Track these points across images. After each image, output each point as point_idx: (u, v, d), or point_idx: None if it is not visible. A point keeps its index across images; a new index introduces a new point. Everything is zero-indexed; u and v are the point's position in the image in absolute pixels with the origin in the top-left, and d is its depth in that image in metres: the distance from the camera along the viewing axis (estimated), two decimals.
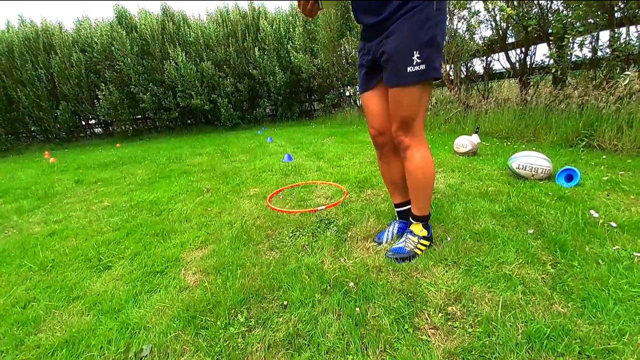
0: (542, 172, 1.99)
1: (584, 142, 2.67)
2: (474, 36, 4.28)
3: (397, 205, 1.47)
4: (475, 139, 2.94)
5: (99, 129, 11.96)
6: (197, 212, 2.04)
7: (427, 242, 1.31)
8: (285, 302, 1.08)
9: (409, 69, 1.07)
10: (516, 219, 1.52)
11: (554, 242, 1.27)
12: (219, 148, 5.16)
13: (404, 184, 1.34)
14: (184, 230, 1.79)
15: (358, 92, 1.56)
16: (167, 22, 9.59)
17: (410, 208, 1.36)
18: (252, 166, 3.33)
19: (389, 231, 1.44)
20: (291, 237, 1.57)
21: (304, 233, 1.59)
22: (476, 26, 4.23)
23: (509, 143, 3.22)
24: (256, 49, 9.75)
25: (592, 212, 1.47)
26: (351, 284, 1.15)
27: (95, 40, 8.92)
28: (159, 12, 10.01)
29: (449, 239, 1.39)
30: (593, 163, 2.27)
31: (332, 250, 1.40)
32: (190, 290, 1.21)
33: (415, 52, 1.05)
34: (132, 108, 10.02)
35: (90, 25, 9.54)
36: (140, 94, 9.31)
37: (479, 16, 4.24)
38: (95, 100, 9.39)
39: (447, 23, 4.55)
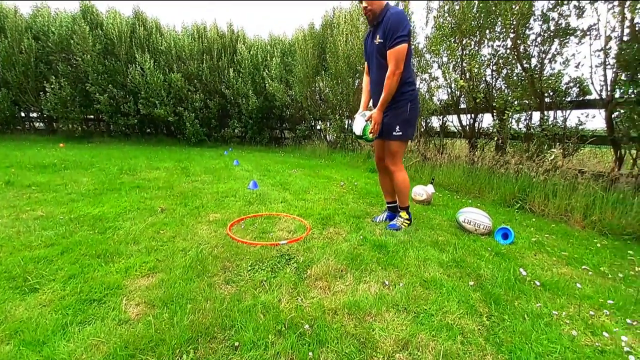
0: (483, 228, 2.22)
1: (518, 205, 3.05)
2: (432, 97, 4.82)
3: (388, 203, 2.45)
4: (430, 189, 3.20)
5: (41, 123, 10.82)
6: (148, 234, 1.91)
7: (408, 222, 2.27)
8: (236, 343, 1.04)
9: (394, 133, 2.08)
10: (460, 270, 1.66)
11: (490, 295, 1.41)
12: (180, 164, 4.94)
13: (393, 191, 2.33)
14: (130, 253, 1.65)
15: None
16: (137, 26, 9.31)
17: (396, 205, 2.37)
18: (214, 189, 3.23)
19: (382, 216, 2.43)
20: (249, 270, 1.53)
21: (263, 267, 1.57)
22: (435, 89, 4.79)
23: (458, 196, 3.55)
24: (231, 70, 9.81)
25: (521, 269, 1.66)
26: (306, 326, 1.15)
27: (53, 29, 8.31)
28: (130, 15, 9.71)
29: (401, 284, 1.47)
30: (525, 224, 2.59)
31: (290, 289, 1.39)
32: (131, 324, 1.11)
33: (397, 126, 2.06)
34: (85, 107, 9.29)
35: (50, 14, 8.94)
36: (97, 94, 8.72)
37: (438, 81, 4.82)
38: (41, 92, 8.56)
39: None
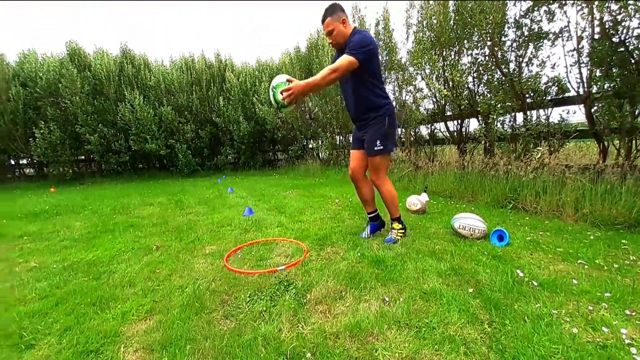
0: (479, 232, 2.24)
1: (511, 205, 3.09)
2: (419, 108, 4.96)
3: (369, 213, 2.44)
4: (424, 197, 3.23)
5: (31, 169, 10.78)
6: (143, 275, 1.88)
7: (402, 231, 2.30)
8: None
9: (375, 148, 2.12)
10: (458, 277, 1.66)
11: (489, 300, 1.41)
12: (174, 197, 4.93)
13: (371, 200, 2.39)
14: (126, 297, 1.63)
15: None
16: (125, 64, 9.49)
17: (377, 214, 2.44)
18: (209, 220, 3.23)
19: (366, 231, 2.41)
20: (248, 302, 1.52)
21: (262, 297, 1.55)
22: (420, 100, 4.93)
23: (452, 202, 3.58)
24: (221, 99, 9.99)
25: (518, 271, 1.67)
26: (308, 354, 1.13)
27: (40, 75, 8.42)
28: (117, 53, 9.88)
29: (401, 299, 1.47)
30: (519, 223, 2.61)
31: (290, 317, 1.38)
32: None
33: (377, 140, 2.11)
34: (75, 149, 9.33)
35: (37, 60, 9.09)
36: (87, 134, 8.78)
37: (423, 92, 4.97)
38: (30, 139, 8.59)
39: (398, 95, 5.26)
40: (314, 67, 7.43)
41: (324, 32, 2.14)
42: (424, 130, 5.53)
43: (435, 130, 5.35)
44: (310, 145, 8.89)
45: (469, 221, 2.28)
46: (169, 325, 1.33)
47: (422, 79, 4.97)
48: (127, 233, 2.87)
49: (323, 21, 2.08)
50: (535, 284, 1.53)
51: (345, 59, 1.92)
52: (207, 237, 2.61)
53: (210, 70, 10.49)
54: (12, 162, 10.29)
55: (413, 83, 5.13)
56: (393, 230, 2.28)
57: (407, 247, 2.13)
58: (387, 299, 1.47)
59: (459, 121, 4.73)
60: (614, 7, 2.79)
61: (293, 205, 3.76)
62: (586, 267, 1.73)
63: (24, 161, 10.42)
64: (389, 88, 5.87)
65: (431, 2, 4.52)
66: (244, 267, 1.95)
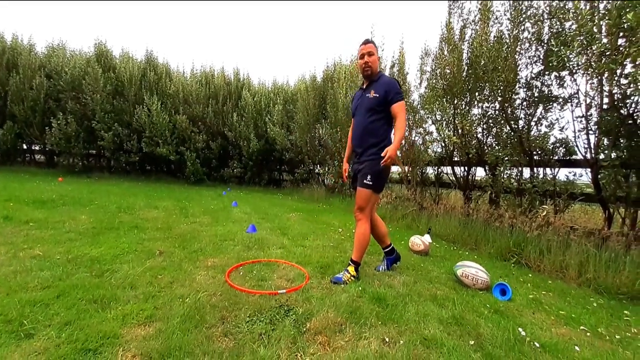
0: (481, 283, 2.23)
1: (514, 259, 3.08)
2: (427, 150, 5.08)
3: (384, 248, 2.48)
4: (427, 239, 3.25)
5: (42, 156, 10.95)
6: (145, 279, 1.89)
7: (354, 278, 2.16)
8: None
9: (365, 181, 2.18)
10: (460, 328, 1.64)
11: (490, 356, 1.39)
12: (179, 204, 4.97)
13: (384, 235, 2.42)
14: (127, 299, 1.63)
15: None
16: (149, 70, 9.89)
17: (391, 248, 2.47)
18: (213, 231, 3.24)
19: (382, 265, 2.47)
20: (248, 322, 1.51)
21: (262, 319, 1.54)
22: (430, 143, 5.07)
23: (455, 248, 3.58)
24: (235, 114, 10.29)
25: (520, 329, 1.66)
26: None
27: (66, 70, 8.80)
28: (142, 59, 10.32)
29: (401, 342, 1.45)
30: (522, 279, 2.60)
31: (289, 343, 1.37)
32: None
33: (369, 175, 2.17)
34: (88, 143, 9.53)
35: (65, 55, 9.51)
36: (102, 131, 9.01)
37: (432, 135, 5.12)
38: (46, 127, 8.82)
39: (407, 134, 5.42)
40: (328, 97, 7.74)
41: (357, 56, 2.26)
42: (430, 171, 5.62)
43: (442, 174, 5.45)
44: (317, 171, 9.00)
45: (472, 270, 2.28)
46: (169, 334, 1.33)
47: (432, 123, 5.14)
48: (131, 233, 2.88)
49: (366, 43, 2.19)
50: (537, 345, 1.52)
51: (401, 106, 2.13)
52: (209, 249, 2.62)
53: (229, 87, 10.90)
54: (25, 146, 10.49)
55: (423, 126, 5.30)
56: (346, 272, 2.15)
57: (408, 288, 2.12)
58: (387, 340, 1.46)
59: (466, 168, 4.83)
60: (623, 81, 2.93)
61: (296, 229, 3.77)
62: (588, 334, 1.71)
63: (36, 147, 10.62)
64: None
65: (446, 53, 4.79)
66: (245, 285, 1.95)
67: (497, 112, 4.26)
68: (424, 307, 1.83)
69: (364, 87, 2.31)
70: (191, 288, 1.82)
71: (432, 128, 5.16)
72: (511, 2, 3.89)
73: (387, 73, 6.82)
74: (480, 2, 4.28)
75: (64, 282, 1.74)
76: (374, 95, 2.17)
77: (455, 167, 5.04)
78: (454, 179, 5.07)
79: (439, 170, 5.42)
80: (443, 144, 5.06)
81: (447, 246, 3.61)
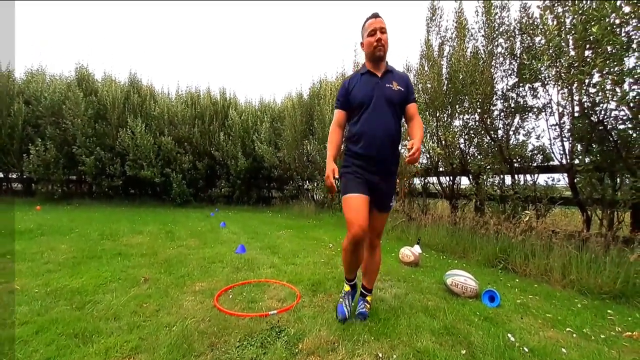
0: (470, 291, 2.26)
1: (501, 265, 3.14)
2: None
3: (350, 280, 1.94)
4: (417, 249, 3.27)
5: (19, 184, 10.55)
6: (130, 308, 1.82)
7: (370, 308, 1.90)
8: None
9: (391, 204, 1.84)
10: (451, 337, 1.65)
11: None
12: (165, 227, 4.85)
13: (357, 266, 1.87)
14: (110, 331, 1.57)
15: (344, 194, 1.73)
16: (132, 92, 9.79)
17: (359, 283, 2.01)
18: (200, 254, 3.17)
19: (346, 302, 1.86)
20: (238, 347, 1.47)
21: (253, 342, 1.51)
22: None
23: (444, 257, 3.62)
24: (222, 134, 10.27)
25: (509, 335, 1.68)
26: None
27: (46, 95, 8.62)
28: (125, 81, 10.22)
29: (394, 356, 1.44)
30: (509, 285, 2.65)
31: None
32: None
33: (393, 196, 1.86)
34: (68, 169, 9.26)
35: (44, 80, 9.36)
36: (83, 156, 8.79)
37: None
38: (24, 154, 8.54)
39: None
40: (315, 114, 7.88)
41: (365, 34, 1.76)
42: (417, 182, 5.74)
43: (429, 184, 5.56)
44: (306, 187, 9.01)
45: (461, 279, 2.31)
46: None
47: None
48: (114, 261, 2.79)
49: (376, 17, 1.72)
50: (526, 349, 1.54)
51: (415, 107, 1.82)
52: (197, 273, 2.56)
53: (215, 106, 10.91)
54: (1, 175, 10.11)
55: (408, 138, 5.46)
56: (367, 304, 1.90)
57: (400, 301, 2.13)
58: (380, 355, 1.45)
59: (451, 177, 4.96)
60: (592, 90, 3.11)
61: (286, 246, 3.74)
62: (574, 335, 1.75)
63: (14, 175, 10.24)
64: None
65: (426, 68, 5.00)
66: (235, 308, 1.91)
67: (477, 123, 4.44)
68: (416, 319, 1.83)
69: (378, 73, 1.76)
70: (178, 315, 1.76)
71: None
72: (484, 19, 4.14)
73: None
74: (455, 20, 4.54)
75: (43, 316, 1.66)
76: (398, 88, 1.73)
77: (440, 177, 5.17)
78: (439, 188, 5.19)
79: (425, 180, 5.54)
80: (428, 155, 5.20)
81: (437, 255, 3.64)
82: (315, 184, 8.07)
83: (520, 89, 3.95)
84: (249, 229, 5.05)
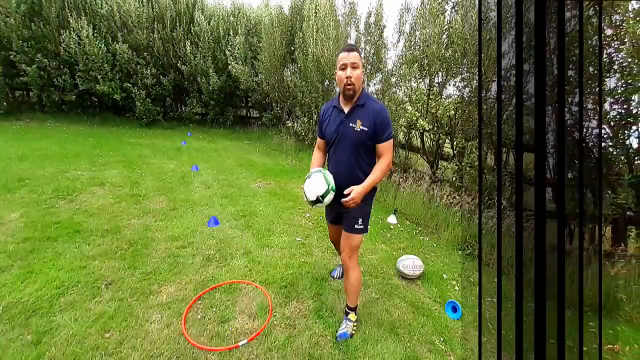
0: (419, 267, 2.64)
1: (469, 250, 3.28)
2: (400, 118, 4.81)
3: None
4: (392, 219, 3.32)
5: None
6: (91, 342, 1.72)
7: (356, 324, 2.02)
8: None
9: (356, 226, 1.89)
10: None
11: None
12: (129, 173, 4.51)
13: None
14: None
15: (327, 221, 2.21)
16: None
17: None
18: (169, 231, 3.01)
19: (338, 271, 2.56)
20: None
21: None
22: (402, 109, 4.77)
23: (417, 231, 3.70)
24: (188, 43, 8.78)
25: None
26: None
27: None
28: None
29: None
30: (472, 280, 2.81)
31: None
32: None
33: (360, 219, 1.88)
34: (10, 79, 7.90)
35: None
36: (24, 65, 7.40)
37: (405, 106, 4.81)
38: None
39: (381, 97, 5.00)
40: (296, 39, 6.65)
41: (337, 66, 1.76)
42: (400, 136, 5.45)
43: (412, 138, 5.32)
44: (288, 124, 8.37)
45: (409, 262, 2.65)
46: None
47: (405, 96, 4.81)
48: (71, 246, 2.59)
49: (349, 50, 1.70)
50: None
51: (390, 146, 1.81)
52: (165, 268, 2.45)
53: (177, 5, 8.94)
54: None
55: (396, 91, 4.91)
56: (349, 323, 1.98)
57: (368, 313, 2.20)
58: None
59: (436, 137, 4.71)
60: (574, 108, 2.77)
61: (261, 213, 3.65)
62: None
63: None
64: (372, 89, 5.55)
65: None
66: (205, 331, 1.89)
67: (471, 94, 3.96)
68: (382, 347, 1.91)
69: (344, 108, 1.82)
70: (143, 351, 1.72)
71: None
72: None
73: (362, 24, 5.88)
74: None
75: None
76: (361, 128, 1.75)
77: (424, 136, 4.89)
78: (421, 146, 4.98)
79: (409, 134, 5.26)
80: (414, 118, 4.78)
81: (410, 230, 3.72)
82: (296, 124, 7.46)
83: None
84: (223, 178, 4.81)
